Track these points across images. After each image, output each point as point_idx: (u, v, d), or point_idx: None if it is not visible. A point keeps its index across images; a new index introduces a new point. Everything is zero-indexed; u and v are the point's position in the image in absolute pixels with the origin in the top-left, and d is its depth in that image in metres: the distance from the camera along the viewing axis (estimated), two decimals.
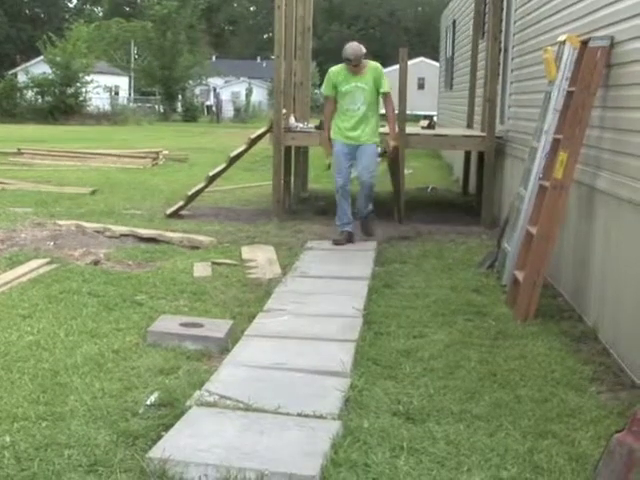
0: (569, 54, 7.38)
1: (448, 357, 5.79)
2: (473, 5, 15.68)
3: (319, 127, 11.57)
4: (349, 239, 9.87)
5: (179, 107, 60.29)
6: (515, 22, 11.84)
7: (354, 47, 9.59)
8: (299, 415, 4.55)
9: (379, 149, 9.96)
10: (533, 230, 7.19)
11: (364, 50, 9.60)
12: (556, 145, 7.24)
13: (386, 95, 9.80)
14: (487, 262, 8.83)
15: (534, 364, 5.69)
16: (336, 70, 9.82)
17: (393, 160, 10.53)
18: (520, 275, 7.15)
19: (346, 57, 9.53)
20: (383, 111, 10.00)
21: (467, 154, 15.37)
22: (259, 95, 67.75)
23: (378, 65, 9.93)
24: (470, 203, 14.06)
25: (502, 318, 6.86)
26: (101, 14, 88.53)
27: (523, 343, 6.17)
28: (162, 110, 58.34)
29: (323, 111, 10.36)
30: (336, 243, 9.75)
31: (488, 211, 11.93)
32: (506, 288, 7.69)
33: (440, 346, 6.03)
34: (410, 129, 12.67)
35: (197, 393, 4.81)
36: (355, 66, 9.55)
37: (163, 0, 59.51)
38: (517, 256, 7.64)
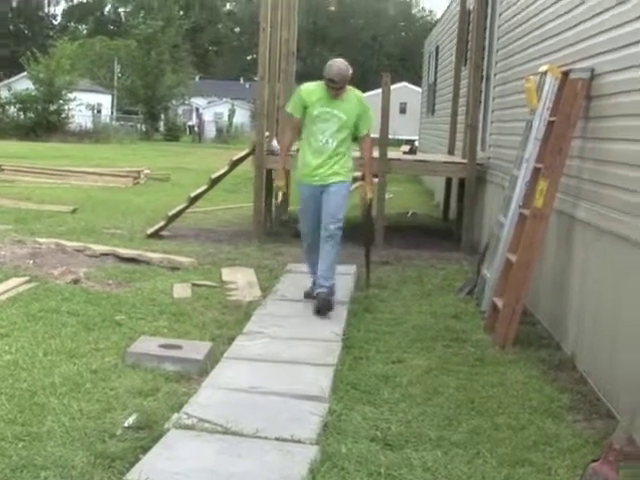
0: (550, 84, 7.46)
1: (426, 383, 5.81)
2: (456, 33, 15.80)
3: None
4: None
5: (161, 126, 60.29)
6: (497, 51, 11.96)
7: (340, 66, 7.69)
8: (277, 439, 4.55)
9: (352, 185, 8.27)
10: (513, 258, 7.24)
11: (351, 72, 7.76)
12: (536, 174, 7.30)
13: (366, 134, 8.05)
14: (466, 288, 8.87)
15: (512, 391, 5.72)
16: (311, 88, 7.90)
17: (367, 211, 8.65)
18: (499, 302, 7.20)
19: (329, 77, 7.63)
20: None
21: (448, 180, 15.44)
22: (242, 116, 67.81)
23: (363, 97, 8.06)
24: (450, 229, 14.11)
25: (481, 345, 6.89)
26: (85, 32, 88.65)
27: (501, 370, 6.20)
28: (144, 129, 58.31)
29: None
30: (308, 295, 7.99)
31: (468, 237, 12.00)
32: (485, 315, 7.72)
33: (419, 372, 6.05)
34: (392, 154, 12.73)
35: (175, 416, 4.81)
36: (337, 89, 7.72)
37: (148, 20, 59.63)
38: (496, 283, 7.69)
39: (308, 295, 8.00)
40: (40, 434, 4.58)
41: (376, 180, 9.07)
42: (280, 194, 8.50)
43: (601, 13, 6.55)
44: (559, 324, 7.12)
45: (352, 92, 7.91)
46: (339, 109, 7.76)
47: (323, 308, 7.50)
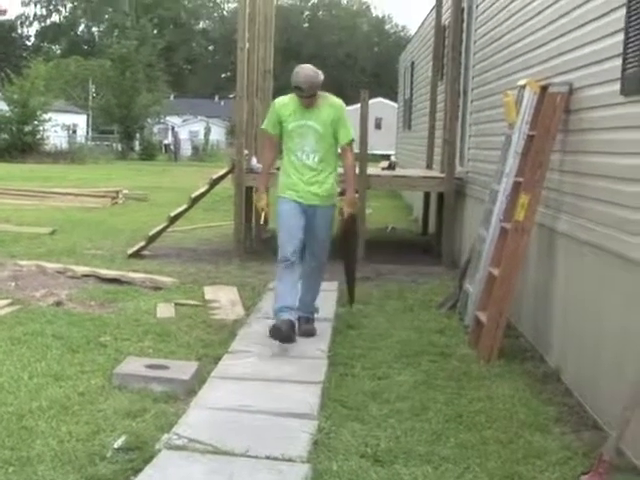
0: (529, 98, 7.52)
1: (414, 399, 5.83)
2: (432, 48, 15.90)
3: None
4: (291, 330, 6.87)
5: (137, 145, 60.20)
6: (474, 66, 12.04)
7: (307, 72, 7.03)
8: (268, 458, 4.55)
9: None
10: (495, 271, 7.28)
11: (321, 77, 7.08)
12: (517, 188, 7.36)
13: (347, 144, 7.31)
14: (449, 303, 8.90)
15: (499, 405, 5.75)
16: (284, 101, 7.33)
17: (347, 231, 7.66)
18: (482, 316, 7.23)
19: (296, 85, 7.01)
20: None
21: (427, 194, 15.50)
22: (217, 134, 67.88)
23: (339, 102, 7.30)
24: (430, 243, 14.16)
25: (466, 359, 6.92)
26: (59, 52, 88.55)
27: (487, 384, 6.23)
28: (120, 148, 58.21)
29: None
30: (276, 335, 6.81)
31: (448, 251, 12.05)
32: (469, 329, 7.75)
33: (405, 387, 6.08)
34: (371, 170, 12.77)
35: (165, 436, 4.80)
36: (307, 98, 7.07)
37: (122, 39, 59.65)
38: (479, 297, 7.72)
39: (276, 333, 6.83)
40: (30, 458, 4.56)
41: (356, 195, 8.09)
42: (262, 215, 7.82)
43: (578, 28, 6.62)
44: (543, 337, 7.16)
45: (326, 99, 7.24)
46: (314, 120, 7.13)
47: (304, 327, 7.26)
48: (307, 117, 7.13)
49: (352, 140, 7.36)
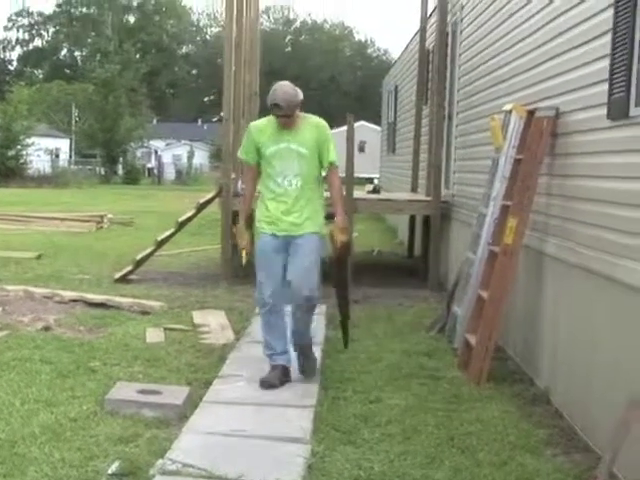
0: (515, 123, 7.60)
1: (405, 422, 5.85)
2: (416, 72, 15.99)
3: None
4: (284, 376, 6.58)
5: (120, 169, 60.16)
6: (459, 90, 12.13)
7: (286, 89, 6.46)
8: None
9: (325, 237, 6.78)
10: (484, 294, 7.32)
11: (301, 96, 6.51)
12: (505, 211, 7.41)
13: (332, 166, 6.69)
14: (437, 326, 8.94)
15: (490, 428, 5.78)
16: (260, 125, 6.75)
17: (339, 260, 6.96)
18: (472, 339, 7.26)
19: (274, 102, 6.38)
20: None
21: (412, 217, 15.56)
22: (200, 157, 67.94)
23: (323, 122, 6.72)
24: (416, 266, 14.19)
25: (455, 382, 6.95)
26: (41, 76, 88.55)
27: (478, 407, 6.26)
28: (103, 172, 58.16)
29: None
30: (266, 385, 6.45)
31: (435, 274, 12.10)
32: (458, 351, 7.79)
33: (397, 411, 6.09)
34: (356, 193, 12.82)
35: (160, 462, 4.80)
36: (285, 117, 6.48)
37: (105, 64, 59.72)
38: (468, 320, 7.76)
39: (269, 383, 6.47)
40: None
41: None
42: (244, 255, 6.91)
43: (564, 53, 6.70)
44: (531, 359, 7.20)
45: (308, 119, 6.67)
46: (296, 142, 6.52)
47: (303, 361, 6.74)
48: (287, 139, 6.54)
49: (336, 161, 6.73)
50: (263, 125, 6.70)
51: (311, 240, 6.55)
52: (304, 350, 6.80)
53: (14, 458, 4.96)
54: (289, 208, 6.53)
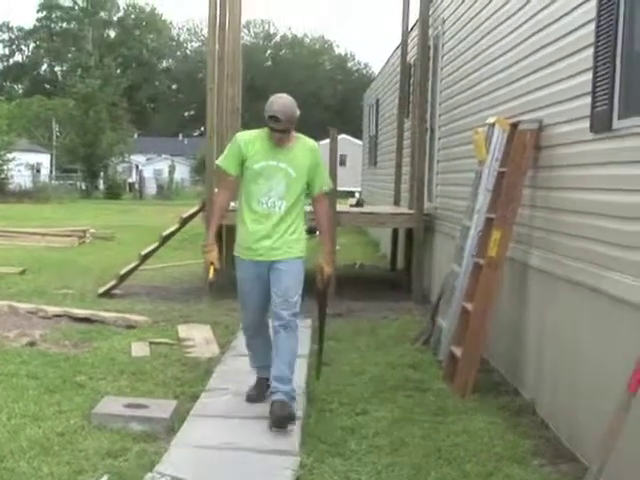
0: (499, 136, 7.66)
1: (392, 434, 5.87)
2: (397, 86, 16.07)
3: None
4: (269, 389, 6.21)
5: (101, 184, 60.01)
6: (441, 103, 12.20)
7: (285, 102, 6.00)
8: None
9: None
10: (469, 306, 7.36)
11: (298, 111, 6.03)
12: (489, 224, 7.46)
13: (323, 194, 6.40)
14: (421, 338, 8.97)
15: (476, 439, 5.81)
16: (250, 137, 6.19)
17: (324, 292, 6.71)
18: (457, 351, 7.30)
19: (272, 114, 5.91)
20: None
21: (394, 230, 15.60)
22: (181, 172, 67.90)
23: (316, 145, 6.33)
24: (399, 279, 14.23)
25: (441, 394, 6.98)
26: (21, 91, 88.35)
27: (464, 418, 6.29)
28: (84, 187, 58.00)
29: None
30: (251, 399, 6.40)
31: (418, 287, 12.15)
32: (443, 364, 7.82)
33: (383, 423, 6.12)
34: (340, 207, 12.87)
35: (149, 475, 4.80)
36: (281, 132, 6.00)
37: (86, 78, 59.66)
38: (453, 332, 7.80)
39: (253, 398, 6.39)
40: None
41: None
42: (211, 271, 6.41)
43: (548, 66, 6.76)
44: (516, 370, 7.24)
45: (302, 140, 6.23)
46: (287, 162, 6.08)
47: (282, 421, 5.75)
48: (278, 158, 6.07)
49: (329, 189, 6.45)
50: (252, 137, 6.18)
51: (294, 265, 6.12)
52: (282, 405, 5.87)
53: (3, 473, 4.95)
54: (270, 230, 6.08)
